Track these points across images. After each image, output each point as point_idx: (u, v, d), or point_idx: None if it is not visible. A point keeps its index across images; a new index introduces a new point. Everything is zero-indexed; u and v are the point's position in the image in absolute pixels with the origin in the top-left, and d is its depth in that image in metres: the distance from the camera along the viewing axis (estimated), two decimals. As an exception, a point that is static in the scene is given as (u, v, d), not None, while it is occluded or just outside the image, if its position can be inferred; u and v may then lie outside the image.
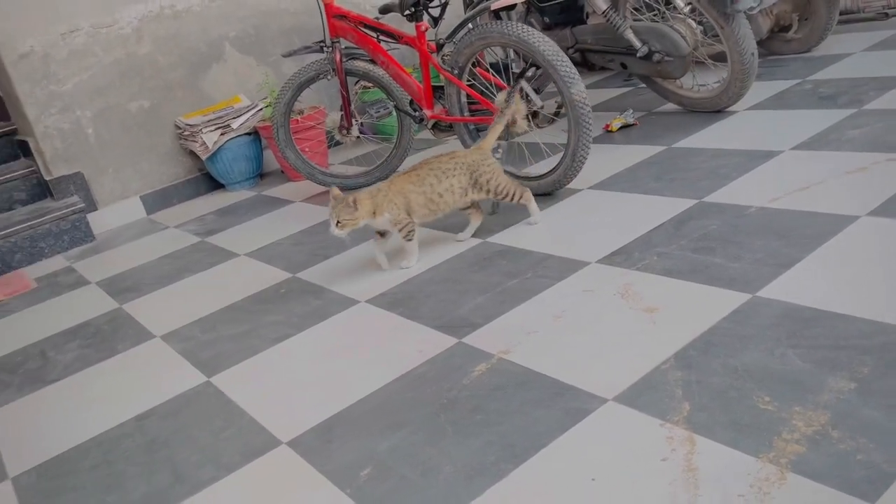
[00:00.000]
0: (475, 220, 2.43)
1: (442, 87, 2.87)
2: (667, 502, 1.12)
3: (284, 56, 3.31)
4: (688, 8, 2.98)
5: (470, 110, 2.76)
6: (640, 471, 1.21)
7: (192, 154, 3.98)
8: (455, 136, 2.93)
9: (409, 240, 2.28)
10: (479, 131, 2.79)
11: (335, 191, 2.22)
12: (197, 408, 1.79)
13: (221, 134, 3.78)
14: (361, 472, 1.39)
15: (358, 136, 3.34)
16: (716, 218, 2.10)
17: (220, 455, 1.57)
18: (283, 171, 4.01)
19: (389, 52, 2.96)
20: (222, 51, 4.04)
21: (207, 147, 3.77)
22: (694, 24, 3.05)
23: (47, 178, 3.69)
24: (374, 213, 2.20)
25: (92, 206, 3.76)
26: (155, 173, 3.96)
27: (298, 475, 1.44)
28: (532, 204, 2.40)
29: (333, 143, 3.97)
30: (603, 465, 1.25)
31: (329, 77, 3.15)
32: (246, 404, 1.75)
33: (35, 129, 3.59)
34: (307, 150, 3.57)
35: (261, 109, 3.87)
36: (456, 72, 2.66)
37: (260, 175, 4.09)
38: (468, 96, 2.73)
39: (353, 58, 3.15)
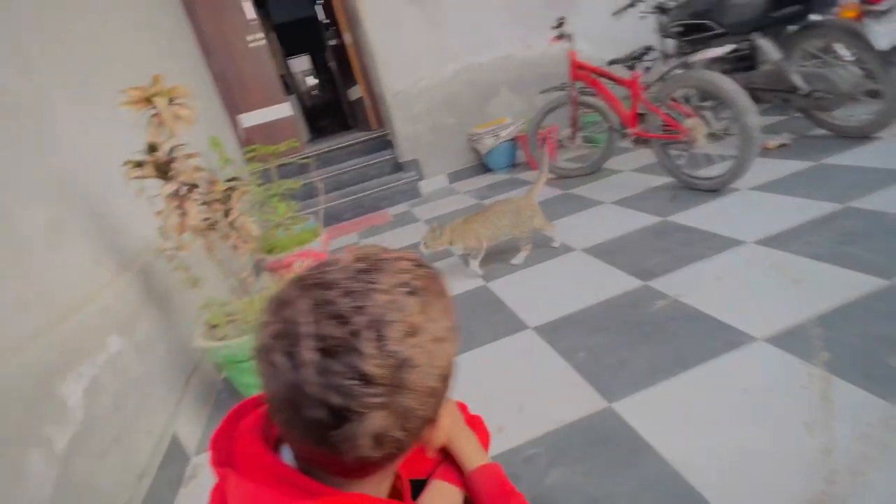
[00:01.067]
0: (526, 249, 2.12)
1: (642, 114, 2.63)
2: (805, 416, 0.99)
3: (541, 92, 3.25)
4: (853, 57, 2.35)
5: (663, 130, 2.50)
6: (783, 390, 1.07)
7: (476, 151, 4.12)
8: (647, 148, 2.68)
9: (475, 258, 2.07)
10: (667, 145, 2.52)
11: (434, 226, 2.06)
12: (478, 301, 1.90)
13: (494, 140, 3.86)
14: (579, 354, 1.40)
15: (579, 145, 3.22)
16: (859, 220, 1.69)
17: (494, 327, 1.66)
18: (527, 163, 4.00)
19: (609, 91, 2.77)
20: (499, 89, 4.07)
21: (486, 147, 3.88)
22: (855, 69, 2.40)
23: (400, 161, 4.06)
24: (451, 242, 2.05)
25: (421, 177, 4.08)
26: (455, 161, 4.15)
27: (541, 348, 1.48)
28: (524, 253, 2.11)
29: (560, 147, 3.85)
30: (752, 381, 1.12)
31: (566, 106, 3.04)
32: (510, 302, 1.82)
33: (398, 134, 3.95)
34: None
35: (518, 125, 3.86)
36: (657, 104, 2.41)
37: (512, 165, 4.12)
38: (663, 121, 2.47)
39: (583, 93, 3.01)
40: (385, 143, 4.42)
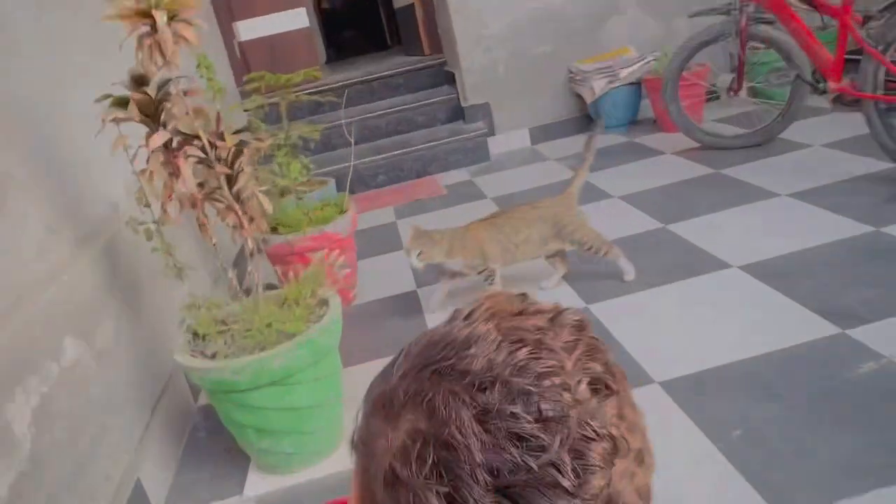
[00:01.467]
0: (560, 269, 2.21)
1: (853, 61, 2.52)
2: None
3: (691, 16, 3.17)
4: None
5: (887, 88, 2.38)
6: None
7: (578, 96, 4.08)
8: (855, 111, 2.57)
9: (490, 284, 2.12)
10: (890, 110, 2.40)
11: (418, 226, 2.12)
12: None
13: (609, 82, 3.81)
14: (734, 433, 1.38)
15: (743, 99, 3.13)
16: None
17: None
18: (655, 121, 3.92)
19: (803, 21, 2.66)
20: (623, 3, 3.99)
21: (594, 92, 3.84)
22: None
23: (463, 104, 4.09)
24: (448, 254, 2.09)
25: (491, 131, 4.09)
26: (543, 110, 4.13)
27: (670, 415, 1.47)
28: (622, 260, 2.14)
29: (711, 99, 3.75)
30: None
31: (730, 39, 2.96)
32: (622, 337, 1.82)
33: (462, 63, 3.97)
34: (686, 105, 3.43)
35: (649, 62, 3.79)
36: (881, 47, 2.30)
37: (633, 122, 4.05)
38: (888, 73, 2.35)
39: (758, 21, 2.91)
40: (442, 76, 4.44)
